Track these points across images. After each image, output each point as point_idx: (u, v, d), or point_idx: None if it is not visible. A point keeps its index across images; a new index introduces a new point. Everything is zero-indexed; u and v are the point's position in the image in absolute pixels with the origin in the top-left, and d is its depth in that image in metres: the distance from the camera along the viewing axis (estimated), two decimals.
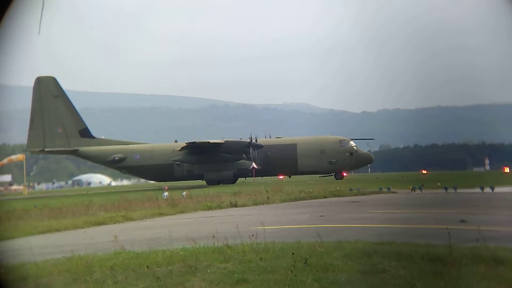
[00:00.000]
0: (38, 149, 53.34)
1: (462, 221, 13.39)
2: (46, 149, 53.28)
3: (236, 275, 8.22)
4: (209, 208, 23.34)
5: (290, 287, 7.24)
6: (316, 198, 27.45)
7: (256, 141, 52.65)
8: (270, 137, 55.47)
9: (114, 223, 19.07)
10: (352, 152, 51.14)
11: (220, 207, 23.55)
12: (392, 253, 9.07)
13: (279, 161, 52.20)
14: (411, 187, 29.45)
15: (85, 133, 54.55)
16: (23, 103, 55.90)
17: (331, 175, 51.79)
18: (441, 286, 6.75)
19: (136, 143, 57.60)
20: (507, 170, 49.06)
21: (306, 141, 53.69)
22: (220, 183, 49.88)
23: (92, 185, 71.72)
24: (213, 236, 11.11)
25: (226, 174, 52.07)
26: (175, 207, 23.44)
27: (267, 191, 29.56)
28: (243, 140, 52.92)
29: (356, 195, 28.43)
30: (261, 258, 9.32)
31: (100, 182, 72.41)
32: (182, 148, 51.65)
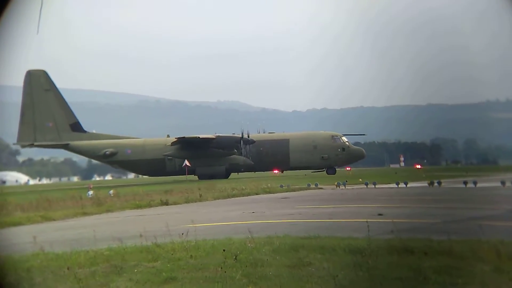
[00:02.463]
0: (27, 143, 51.52)
1: (380, 214, 14.41)
2: (35, 143, 51.72)
3: (164, 274, 8.07)
4: (138, 206, 22.61)
5: (220, 284, 7.27)
6: (249, 195, 27.82)
7: (248, 136, 52.25)
8: (264, 132, 55.29)
9: (32, 223, 17.71)
10: (344, 147, 51.55)
11: (150, 206, 22.92)
12: (318, 246, 9.50)
13: (271, 157, 52.10)
14: (336, 183, 30.99)
15: (76, 127, 53.42)
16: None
17: (323, 170, 52.00)
18: (360, 276, 7.21)
19: (128, 138, 55.91)
20: (418, 166, 53.59)
21: (299, 137, 53.78)
22: (212, 178, 48.83)
23: (7, 184, 65.92)
24: (141, 235, 10.79)
25: (218, 169, 51.58)
26: (100, 206, 22.35)
27: (199, 189, 29.33)
28: (235, 135, 52.44)
29: (286, 191, 29.29)
30: (191, 256, 9.25)
31: (16, 181, 66.81)
32: (173, 143, 51.00)
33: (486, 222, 12.29)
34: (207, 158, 51.23)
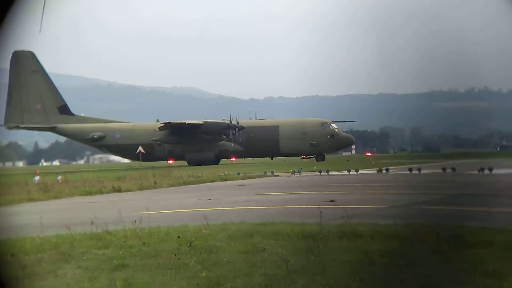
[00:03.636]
0: (14, 125, 50.43)
1: (332, 200, 14.88)
2: (21, 125, 50.73)
3: (115, 261, 7.87)
4: (89, 193, 21.82)
5: (173, 271, 7.20)
6: (205, 182, 27.66)
7: (237, 122, 51.39)
8: (256, 119, 54.42)
9: None
10: (333, 134, 51.45)
11: (102, 192, 22.19)
12: (272, 232, 9.65)
13: (261, 143, 51.44)
14: (291, 171, 31.59)
15: (64, 110, 52.59)
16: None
17: (312, 157, 51.71)
18: (311, 260, 7.42)
19: (117, 122, 54.81)
20: (368, 154, 55.80)
21: (289, 123, 53.30)
22: (201, 164, 47.93)
23: None
24: (92, 222, 10.44)
25: (207, 155, 50.76)
26: (47, 192, 21.34)
27: (154, 176, 28.78)
28: (224, 121, 51.51)
29: (243, 179, 29.43)
30: (144, 243, 9.08)
31: None
32: (160, 128, 50.09)
33: (428, 206, 13.05)
34: (196, 144, 50.63)
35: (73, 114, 53.62)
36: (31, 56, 52.16)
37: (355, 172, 29.99)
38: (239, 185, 24.82)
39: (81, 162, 69.10)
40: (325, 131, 51.72)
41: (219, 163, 52.41)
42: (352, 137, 54.93)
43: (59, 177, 28.81)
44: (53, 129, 52.97)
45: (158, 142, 51.32)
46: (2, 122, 51.48)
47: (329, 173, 30.31)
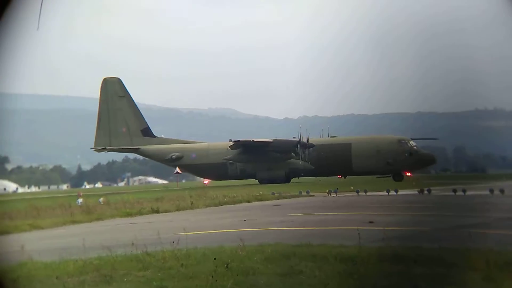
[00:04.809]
0: (101, 148, 54.41)
1: (371, 222, 14.49)
2: (108, 148, 54.61)
3: (155, 283, 8.00)
4: (129, 214, 22.39)
5: None
6: (240, 202, 27.72)
7: (307, 140, 51.40)
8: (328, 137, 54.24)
9: (20, 232, 17.44)
10: (411, 152, 49.17)
11: (141, 214, 22.71)
12: (309, 254, 9.49)
13: (333, 161, 50.77)
14: (327, 191, 31.05)
15: (146, 132, 55.83)
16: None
17: (389, 176, 49.64)
18: (350, 284, 7.22)
19: (194, 142, 57.37)
20: (408, 174, 53.57)
21: (362, 141, 52.55)
22: (272, 183, 48.58)
23: None
24: (132, 244, 10.69)
25: (277, 173, 51.21)
26: (90, 214, 22.10)
27: (191, 196, 29.19)
28: (293, 139, 51.84)
29: (278, 199, 29.25)
30: (182, 264, 9.18)
31: (5, 189, 65.90)
32: (231, 147, 51.51)
33: (475, 230, 12.41)
34: (266, 163, 51.11)
35: (154, 136, 56.24)
36: (118, 82, 56.23)
37: (395, 193, 29.06)
38: (274, 205, 24.68)
39: (122, 184, 71.26)
40: (402, 149, 49.10)
41: (290, 181, 52.49)
42: (433, 155, 51.15)
43: (101, 199, 29.73)
44: (136, 151, 55.98)
45: (230, 161, 51.84)
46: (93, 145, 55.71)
47: (367, 194, 29.57)
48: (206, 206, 25.68)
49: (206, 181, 56.09)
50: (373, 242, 9.93)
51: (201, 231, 14.96)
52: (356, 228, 10.67)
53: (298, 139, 51.26)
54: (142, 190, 48.74)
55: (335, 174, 52.98)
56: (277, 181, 49.89)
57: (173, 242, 10.16)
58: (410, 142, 50.12)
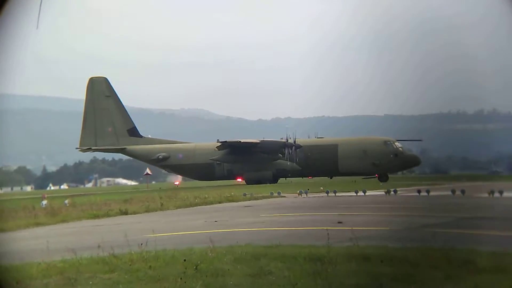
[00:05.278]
0: (86, 148, 53.34)
1: (339, 222, 14.72)
2: (93, 148, 53.56)
3: (121, 286, 7.82)
4: (95, 216, 21.81)
5: None
6: (211, 203, 27.55)
7: (294, 141, 51.09)
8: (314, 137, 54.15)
9: None
10: (397, 153, 49.36)
11: (108, 215, 22.17)
12: (279, 255, 9.53)
13: (319, 162, 50.75)
14: (298, 192, 31.31)
15: (133, 132, 54.87)
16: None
17: (375, 177, 49.63)
18: (319, 283, 7.30)
19: (181, 142, 56.41)
20: (375, 176, 54.30)
21: (348, 142, 52.50)
22: (259, 183, 48.25)
23: None
24: (98, 246, 10.41)
25: (265, 174, 51.05)
26: (55, 217, 21.37)
27: (161, 198, 28.74)
28: (280, 140, 51.61)
29: (249, 200, 29.26)
30: (150, 266, 9.02)
31: None
32: (218, 148, 50.99)
33: (438, 229, 12.83)
34: (253, 163, 50.92)
35: (141, 136, 55.60)
36: (105, 81, 55.15)
37: (363, 194, 29.69)
38: (246, 206, 24.67)
39: (89, 185, 69.41)
40: (388, 150, 49.47)
41: (277, 182, 52.55)
42: (418, 156, 51.20)
43: (67, 201, 28.82)
44: (122, 151, 55.08)
45: (217, 162, 51.57)
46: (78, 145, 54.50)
47: (336, 194, 30.04)
48: (177, 208, 25.37)
49: (177, 182, 55.63)
50: (342, 242, 10.09)
51: (171, 233, 14.75)
52: (326, 228, 10.80)
53: (285, 140, 51.44)
54: (110, 192, 47.59)
55: (322, 174, 53.15)
56: (264, 181, 49.89)
57: (141, 244, 9.96)
58: (396, 143, 50.37)
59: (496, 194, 24.22)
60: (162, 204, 25.72)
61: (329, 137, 55.64)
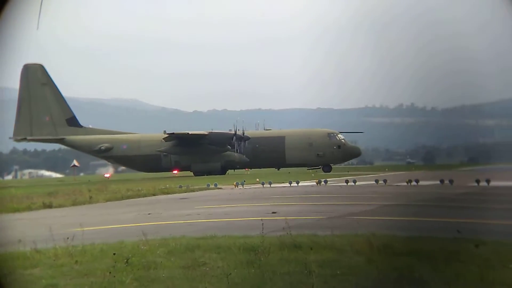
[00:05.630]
0: (21, 137, 51.17)
1: (274, 212, 15.09)
2: (28, 138, 51.46)
3: (44, 281, 7.35)
4: (16, 210, 20.23)
5: None
6: (145, 196, 26.82)
7: (243, 133, 50.57)
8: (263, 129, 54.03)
9: None
10: (340, 145, 50.76)
11: (30, 209, 20.67)
12: (213, 246, 9.56)
13: (267, 153, 50.88)
14: (234, 183, 31.56)
15: (72, 121, 53.03)
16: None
17: (319, 168, 50.86)
18: (252, 273, 7.44)
19: (125, 133, 54.15)
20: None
21: (295, 134, 52.78)
22: (208, 174, 47.58)
23: None
24: (19, 241, 9.67)
25: (213, 166, 50.35)
26: None
27: (89, 191, 27.36)
28: (229, 132, 50.74)
29: (185, 192, 28.92)
30: (76, 261, 8.58)
31: None
32: (165, 139, 49.64)
33: (362, 217, 13.67)
34: (201, 155, 50.44)
35: (81, 126, 53.76)
36: (41, 68, 52.70)
37: (296, 184, 30.73)
38: (181, 198, 24.35)
39: (9, 177, 64.14)
40: (332, 142, 51.11)
41: (226, 173, 52.24)
42: (359, 148, 53.74)
43: None
44: (60, 141, 53.21)
45: (164, 153, 51.02)
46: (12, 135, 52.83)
47: (272, 185, 30.74)
48: (107, 201, 24.34)
49: (108, 174, 53.50)
50: (275, 231, 10.35)
51: (100, 226, 14.13)
52: (260, 218, 11.01)
53: (234, 132, 51.43)
54: (33, 185, 44.38)
55: (269, 166, 53.82)
56: (213, 173, 49.87)
57: (67, 238, 9.41)
58: (339, 135, 52.17)
59: (414, 183, 26.54)
60: (91, 197, 24.53)
61: (276, 129, 56.78)
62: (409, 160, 60.44)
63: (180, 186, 31.27)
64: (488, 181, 24.56)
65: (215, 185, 32.17)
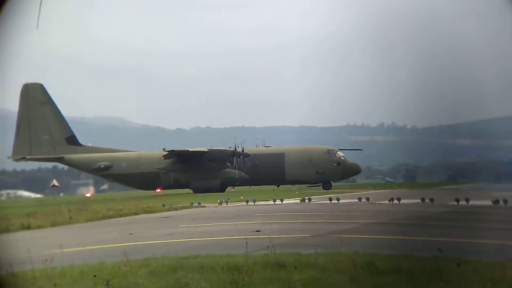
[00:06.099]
0: (21, 157, 51.14)
1: (258, 231, 15.02)
2: (27, 157, 51.45)
3: None
4: None
5: None
6: (127, 215, 26.37)
7: (242, 150, 50.64)
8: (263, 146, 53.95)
9: None
10: (339, 162, 50.68)
11: (8, 231, 20.04)
12: (197, 266, 9.44)
13: (267, 170, 50.79)
14: (218, 201, 31.35)
15: (72, 140, 53.24)
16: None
17: (319, 185, 50.67)
18: None
19: (124, 151, 54.09)
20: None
21: (294, 151, 52.75)
22: (207, 192, 47.15)
23: None
24: None
25: (212, 183, 50.23)
26: None
27: (69, 211, 26.75)
28: (229, 148, 50.75)
29: (168, 211, 28.55)
30: (55, 284, 8.33)
31: None
32: (165, 157, 49.53)
33: (345, 235, 13.74)
34: (201, 172, 50.40)
35: (80, 145, 53.90)
36: (40, 88, 52.82)
37: (280, 202, 30.70)
38: (164, 217, 24.02)
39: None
40: (331, 159, 51.07)
41: (225, 191, 51.98)
42: (359, 165, 53.57)
43: None
44: (60, 160, 53.29)
45: (163, 171, 50.95)
46: (10, 154, 52.70)
47: (256, 203, 30.64)
48: (87, 221, 23.83)
49: (89, 194, 52.59)
50: (259, 250, 10.29)
51: (80, 247, 13.80)
52: (244, 237, 10.94)
53: (233, 149, 51.54)
54: (10, 206, 43.15)
55: (269, 183, 53.70)
56: (211, 190, 49.58)
57: (46, 260, 9.17)
58: (338, 152, 52.32)
59: (395, 201, 26.93)
60: (70, 218, 23.97)
61: (276, 146, 56.85)
62: (387, 179, 61.32)
63: (163, 205, 30.88)
64: (467, 200, 25.09)
65: (199, 203, 31.88)
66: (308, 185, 52.59)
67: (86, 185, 59.56)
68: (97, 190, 59.06)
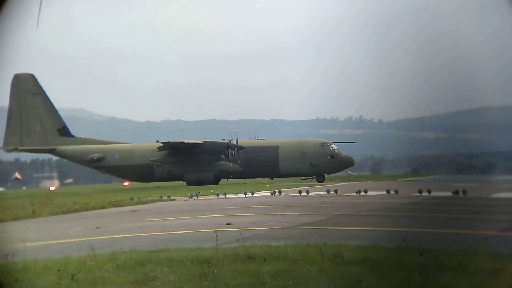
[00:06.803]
0: (11, 148, 50.31)
1: (228, 224, 15.05)
2: (20, 148, 50.72)
3: None
4: None
5: None
6: (93, 209, 25.74)
7: (237, 142, 49.99)
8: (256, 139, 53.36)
9: None
10: (333, 155, 50.50)
11: None
12: (165, 259, 9.36)
13: (261, 163, 50.46)
14: (188, 194, 31.14)
15: (64, 131, 52.46)
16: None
17: (313, 178, 50.31)
18: (204, 286, 7.36)
19: (117, 143, 52.99)
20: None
21: (288, 144, 52.46)
22: (201, 184, 46.24)
23: None
24: None
25: (206, 175, 49.68)
26: None
27: (32, 204, 25.84)
28: (223, 141, 50.09)
29: (137, 204, 28.10)
30: (16, 279, 8.05)
31: None
32: (159, 149, 48.62)
33: (314, 227, 13.99)
34: (195, 164, 49.93)
35: (72, 136, 53.06)
36: (31, 78, 51.90)
37: (251, 195, 30.88)
38: (133, 211, 23.63)
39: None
40: (325, 152, 51.10)
41: (219, 183, 51.43)
42: (353, 158, 53.33)
43: None
44: (52, 151, 52.36)
45: (157, 163, 50.13)
46: (1, 145, 51.48)
47: (226, 196, 30.66)
48: (52, 215, 23.11)
49: (53, 187, 51.15)
50: (229, 243, 10.31)
51: (44, 242, 13.38)
52: (214, 230, 10.93)
53: (228, 141, 51.13)
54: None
55: (263, 176, 53.47)
56: (205, 182, 49.11)
57: (7, 255, 8.84)
58: (332, 145, 52.28)
59: (362, 193, 27.72)
60: (34, 211, 23.15)
61: (270, 139, 56.68)
62: (349, 172, 62.89)
63: (132, 198, 30.35)
64: (429, 191, 26.12)
65: (168, 196, 31.53)
66: (302, 177, 52.50)
67: (50, 178, 57.85)
68: (62, 184, 57.49)
